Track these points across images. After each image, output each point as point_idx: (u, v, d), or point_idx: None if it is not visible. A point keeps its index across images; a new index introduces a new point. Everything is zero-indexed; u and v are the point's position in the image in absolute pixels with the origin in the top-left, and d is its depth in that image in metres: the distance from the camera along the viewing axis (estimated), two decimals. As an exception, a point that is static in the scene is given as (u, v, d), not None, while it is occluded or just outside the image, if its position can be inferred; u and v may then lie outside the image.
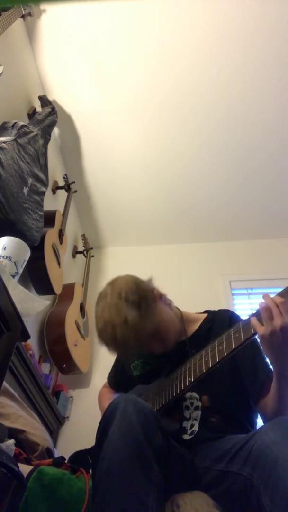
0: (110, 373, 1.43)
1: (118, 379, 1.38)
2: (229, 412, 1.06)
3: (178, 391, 1.03)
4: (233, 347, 0.93)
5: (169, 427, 0.92)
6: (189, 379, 1.02)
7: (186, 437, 1.04)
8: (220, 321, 1.22)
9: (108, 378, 1.42)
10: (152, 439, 0.78)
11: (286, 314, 0.88)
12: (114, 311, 1.06)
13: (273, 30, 2.09)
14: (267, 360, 1.05)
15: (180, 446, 0.96)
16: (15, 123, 1.75)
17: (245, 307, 2.78)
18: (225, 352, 0.94)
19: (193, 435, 1.03)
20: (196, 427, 1.04)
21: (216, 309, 1.35)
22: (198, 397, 1.09)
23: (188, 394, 1.11)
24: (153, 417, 0.83)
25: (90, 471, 1.01)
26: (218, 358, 0.96)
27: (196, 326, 1.25)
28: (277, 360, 0.93)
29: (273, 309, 0.89)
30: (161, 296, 1.21)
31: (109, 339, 1.07)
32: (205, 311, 1.33)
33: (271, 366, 1.03)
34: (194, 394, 1.10)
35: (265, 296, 0.94)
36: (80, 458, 1.00)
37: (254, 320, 0.92)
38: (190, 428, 1.05)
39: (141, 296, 1.09)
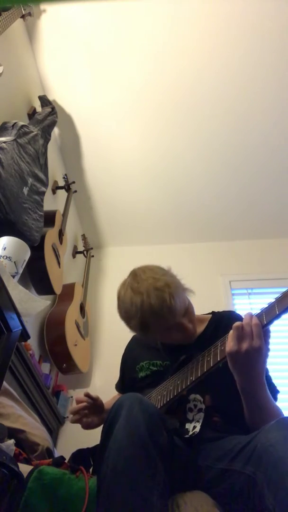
0: (117, 381, 1.43)
1: (125, 383, 1.38)
2: (230, 412, 1.06)
3: (179, 390, 1.04)
4: None
5: (169, 425, 0.93)
6: (191, 378, 1.02)
7: (186, 435, 1.04)
8: (225, 322, 1.21)
9: (116, 385, 1.43)
10: (157, 438, 0.78)
11: (257, 338, 0.89)
12: (161, 283, 1.06)
13: (273, 29, 2.09)
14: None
15: (181, 444, 0.96)
16: (15, 123, 1.75)
17: (245, 307, 2.78)
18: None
19: (193, 435, 1.03)
20: (197, 429, 1.04)
21: (218, 309, 1.35)
22: (201, 399, 1.08)
23: (192, 396, 1.10)
24: (158, 416, 0.83)
25: (91, 470, 1.01)
26: (220, 357, 0.97)
27: (202, 327, 1.24)
28: (239, 376, 0.95)
29: (245, 328, 0.90)
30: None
31: (158, 304, 1.04)
32: (210, 312, 1.32)
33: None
34: (198, 397, 1.09)
35: (246, 314, 0.95)
36: (82, 457, 1.01)
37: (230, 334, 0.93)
38: (192, 429, 1.05)
39: (179, 283, 1.14)
